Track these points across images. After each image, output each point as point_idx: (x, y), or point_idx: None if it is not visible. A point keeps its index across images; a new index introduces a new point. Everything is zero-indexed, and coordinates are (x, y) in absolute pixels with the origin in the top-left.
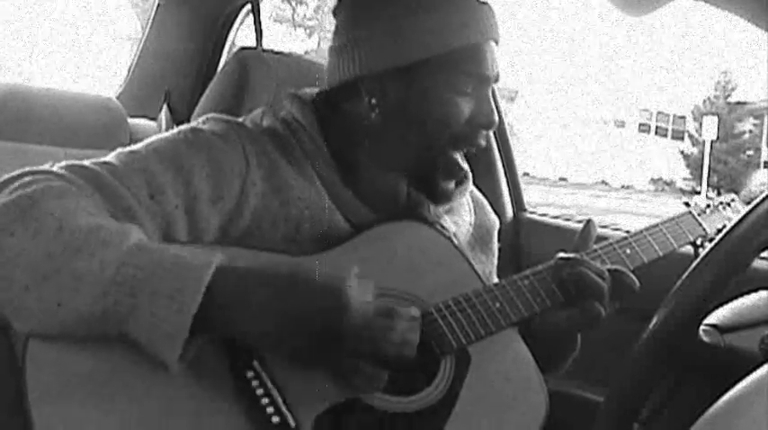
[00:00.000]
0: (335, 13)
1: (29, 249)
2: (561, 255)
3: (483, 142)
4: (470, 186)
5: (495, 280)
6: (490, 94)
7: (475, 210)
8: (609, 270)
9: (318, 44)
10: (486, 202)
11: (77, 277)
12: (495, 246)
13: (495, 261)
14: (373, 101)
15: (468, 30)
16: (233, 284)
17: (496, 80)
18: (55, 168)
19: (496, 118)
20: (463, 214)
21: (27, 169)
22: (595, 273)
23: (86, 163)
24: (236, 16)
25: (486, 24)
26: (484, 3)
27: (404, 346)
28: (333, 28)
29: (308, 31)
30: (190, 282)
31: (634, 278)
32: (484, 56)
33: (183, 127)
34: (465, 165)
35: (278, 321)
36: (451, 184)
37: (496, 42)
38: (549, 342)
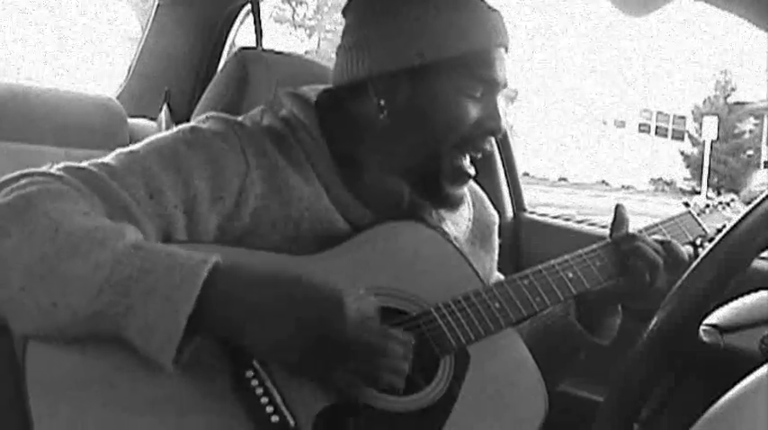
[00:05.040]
0: (345, 12)
1: (24, 250)
2: (617, 233)
3: (488, 147)
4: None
5: (497, 274)
6: (498, 101)
7: (474, 205)
8: (661, 242)
9: (318, 44)
10: (485, 197)
11: (72, 277)
12: (496, 241)
13: (496, 256)
14: (382, 102)
15: (480, 34)
16: (229, 285)
17: (504, 86)
18: (52, 170)
19: (504, 124)
20: (462, 210)
21: (24, 171)
22: (652, 246)
23: (84, 164)
24: (236, 16)
25: (497, 30)
26: (494, 10)
27: (393, 374)
28: (333, 27)
29: (308, 31)
30: (185, 282)
31: (682, 249)
32: (493, 61)
33: (183, 126)
34: (471, 171)
35: (274, 326)
36: (457, 190)
37: (506, 49)
38: (595, 306)
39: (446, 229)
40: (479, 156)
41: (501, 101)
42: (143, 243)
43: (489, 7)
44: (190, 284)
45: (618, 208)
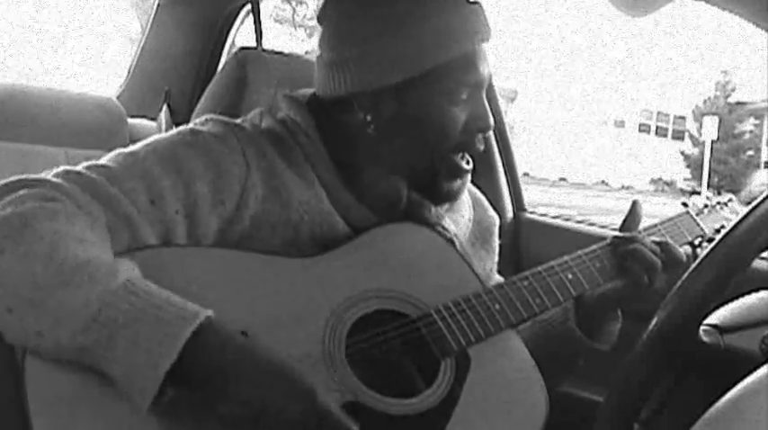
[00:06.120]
0: (320, 19)
1: (16, 271)
2: (616, 233)
3: (481, 146)
4: (468, 182)
5: (497, 276)
6: (484, 97)
7: (474, 207)
8: (659, 243)
9: None
10: (484, 200)
11: (60, 310)
12: (496, 242)
13: (496, 257)
14: (368, 117)
15: (459, 39)
16: (211, 352)
17: (489, 81)
18: (51, 177)
19: (492, 120)
20: (462, 211)
21: (22, 177)
22: (649, 248)
23: (83, 169)
24: (236, 16)
25: (477, 27)
26: (474, 2)
27: None
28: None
29: (308, 31)
30: (168, 338)
31: (680, 250)
32: (476, 62)
33: (183, 128)
34: (469, 167)
35: (243, 410)
36: (455, 184)
37: (487, 41)
38: (595, 312)
39: (445, 226)
40: (473, 155)
41: (490, 96)
42: (135, 285)
43: (468, 1)
44: (172, 342)
45: (635, 204)
